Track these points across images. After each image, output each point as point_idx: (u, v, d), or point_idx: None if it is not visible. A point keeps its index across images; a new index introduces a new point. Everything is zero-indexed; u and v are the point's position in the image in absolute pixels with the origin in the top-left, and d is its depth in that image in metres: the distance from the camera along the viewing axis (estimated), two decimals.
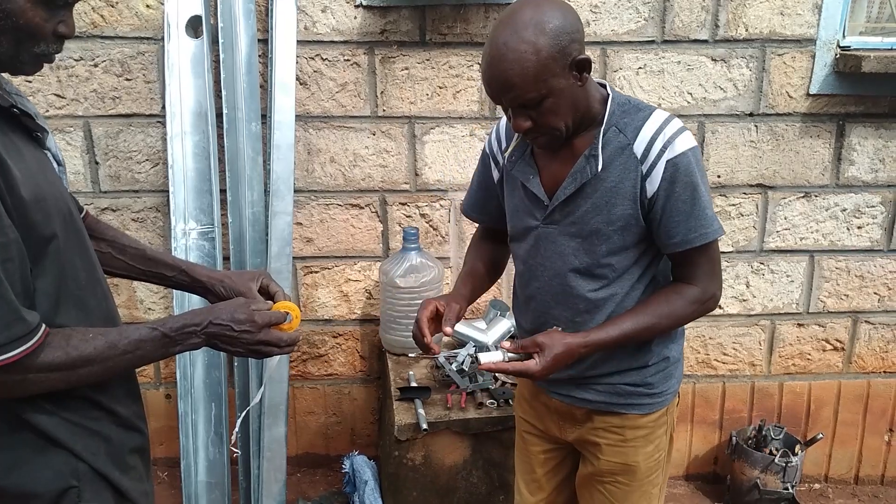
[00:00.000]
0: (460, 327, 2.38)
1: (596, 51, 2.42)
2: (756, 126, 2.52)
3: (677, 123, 1.37)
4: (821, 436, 2.62)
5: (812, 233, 2.64)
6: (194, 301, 2.30)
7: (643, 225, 1.38)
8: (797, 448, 2.61)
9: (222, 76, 2.27)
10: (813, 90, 2.47)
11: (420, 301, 2.38)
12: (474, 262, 1.69)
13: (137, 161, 2.45)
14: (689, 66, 2.45)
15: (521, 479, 1.77)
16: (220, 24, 2.24)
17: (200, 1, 2.24)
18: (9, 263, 0.98)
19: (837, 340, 2.75)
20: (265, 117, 2.35)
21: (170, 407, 2.67)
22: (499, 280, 2.64)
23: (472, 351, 2.33)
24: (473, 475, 2.18)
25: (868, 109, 2.51)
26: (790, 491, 2.55)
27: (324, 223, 2.56)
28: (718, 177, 2.56)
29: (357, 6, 2.34)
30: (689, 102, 2.48)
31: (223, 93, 2.28)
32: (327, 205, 2.54)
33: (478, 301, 2.67)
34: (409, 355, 2.45)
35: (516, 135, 1.44)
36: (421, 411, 2.11)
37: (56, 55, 1.06)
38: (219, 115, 2.33)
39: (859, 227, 2.63)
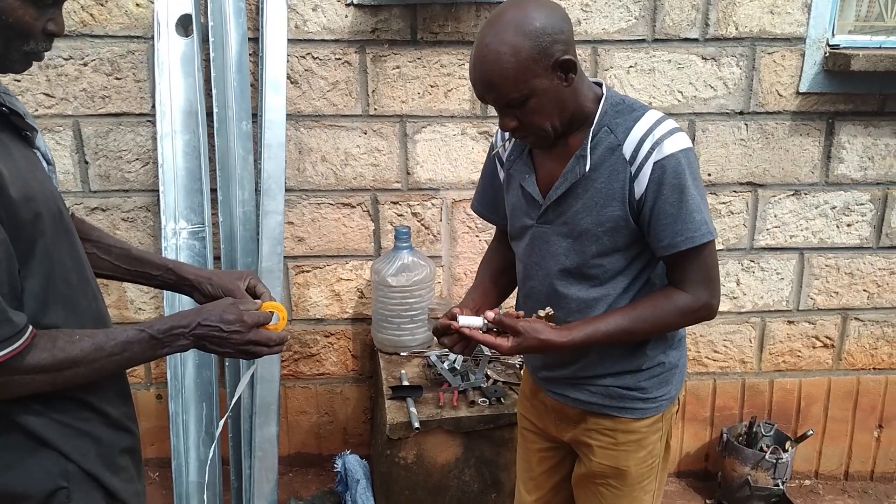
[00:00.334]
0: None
1: (587, 49, 2.42)
2: (746, 124, 2.53)
3: (669, 125, 1.33)
4: (811, 432, 2.64)
5: (802, 230, 2.65)
6: (184, 302, 2.29)
7: (634, 227, 1.36)
8: (787, 445, 2.63)
9: (213, 75, 2.26)
10: (802, 88, 2.49)
11: (412, 300, 2.41)
12: (482, 277, 1.68)
13: (127, 160, 2.44)
14: (679, 65, 2.46)
15: (520, 478, 1.77)
16: (210, 23, 2.23)
17: None
18: None
19: (827, 337, 2.77)
20: (256, 116, 2.34)
21: (161, 407, 2.66)
22: None
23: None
24: (465, 473, 2.18)
25: (857, 107, 2.52)
26: (781, 487, 2.56)
27: (315, 222, 2.56)
28: (709, 175, 2.57)
29: (348, 5, 2.34)
30: (679, 101, 2.49)
31: (213, 92, 2.27)
32: (319, 204, 2.54)
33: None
34: (402, 354, 2.45)
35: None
36: (413, 410, 2.11)
37: (45, 53, 1.06)
38: (209, 114, 2.32)
39: (849, 225, 2.65)
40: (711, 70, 2.47)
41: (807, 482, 2.89)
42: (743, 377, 2.80)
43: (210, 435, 2.29)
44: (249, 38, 2.32)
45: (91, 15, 2.30)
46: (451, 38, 2.39)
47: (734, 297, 2.71)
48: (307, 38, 2.37)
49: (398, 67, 2.41)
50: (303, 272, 2.62)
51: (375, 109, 2.45)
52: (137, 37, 2.33)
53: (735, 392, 2.82)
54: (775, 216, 2.63)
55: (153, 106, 2.35)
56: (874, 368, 2.81)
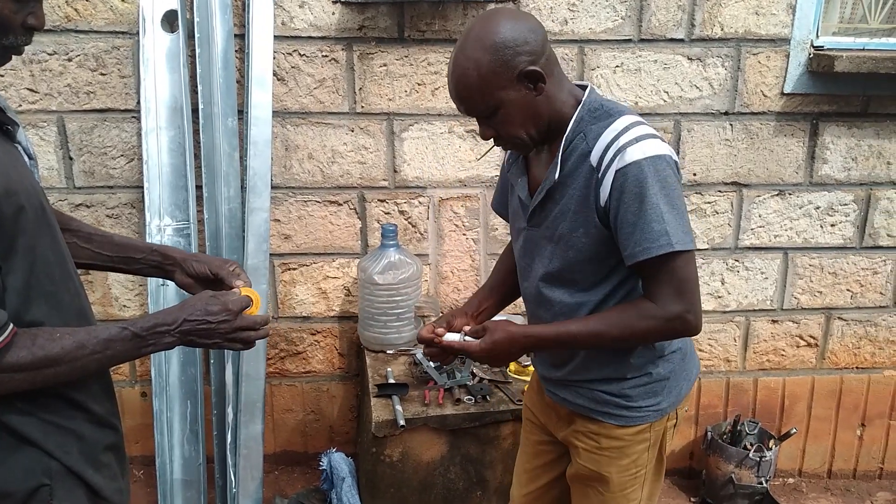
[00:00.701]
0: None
1: (574, 49, 2.43)
2: (731, 125, 2.55)
3: (638, 131, 1.31)
4: (794, 431, 2.66)
5: (786, 230, 2.67)
6: (169, 298, 2.28)
7: (607, 234, 1.35)
8: (771, 443, 2.65)
9: (198, 71, 2.26)
10: (787, 89, 2.50)
11: (399, 298, 2.41)
12: (493, 275, 1.74)
13: (112, 157, 2.43)
14: (665, 65, 2.47)
15: (517, 469, 1.79)
16: (195, 19, 2.22)
17: None
18: None
19: (811, 337, 2.79)
20: (242, 113, 2.33)
21: (145, 405, 2.64)
22: (477, 277, 2.67)
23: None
24: (451, 471, 2.18)
25: (841, 108, 2.54)
26: (764, 485, 2.58)
27: (302, 220, 2.55)
28: (694, 175, 2.59)
29: (335, 2, 2.33)
30: (665, 101, 2.51)
31: (199, 88, 2.26)
32: (305, 201, 2.53)
33: (457, 297, 2.70)
34: (388, 352, 2.45)
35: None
36: (398, 408, 2.11)
37: (25, 47, 1.05)
38: (195, 111, 2.31)
39: (832, 225, 2.67)
40: (697, 70, 2.48)
41: (790, 480, 2.91)
42: (727, 376, 2.82)
43: (194, 432, 2.28)
44: (235, 35, 2.32)
45: (76, 10, 2.29)
46: (438, 37, 2.39)
47: (719, 297, 2.73)
48: (294, 35, 2.36)
49: (385, 65, 2.41)
50: (289, 270, 2.61)
51: (363, 107, 2.45)
52: (122, 32, 2.32)
53: (720, 391, 2.84)
54: (760, 216, 2.65)
55: (138, 102, 2.34)
56: (857, 367, 2.83)
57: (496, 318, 1.58)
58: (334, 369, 2.75)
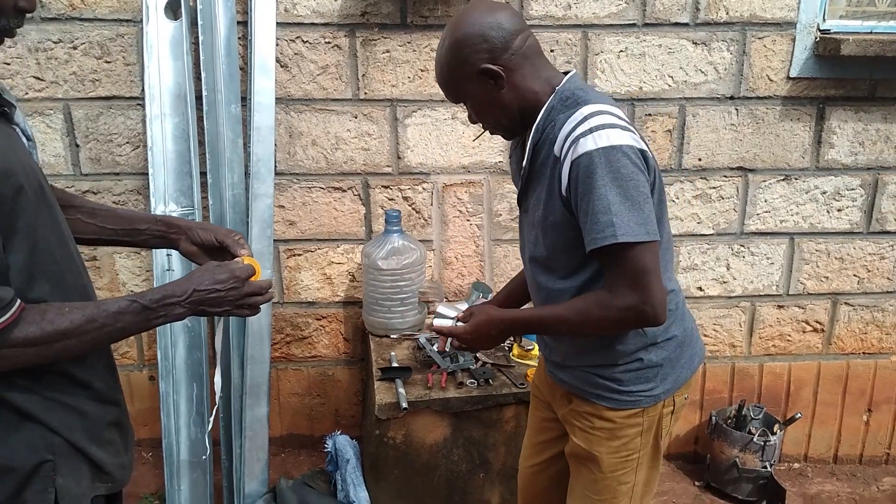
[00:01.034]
0: (442, 308, 2.39)
1: (577, 34, 2.42)
2: (737, 109, 2.53)
3: (595, 121, 1.31)
4: (799, 415, 2.65)
5: (792, 215, 2.66)
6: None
7: (575, 222, 1.36)
8: (776, 427, 2.64)
9: (202, 58, 2.27)
10: (793, 73, 2.48)
11: (402, 283, 2.42)
12: (513, 282, 1.79)
13: (118, 144, 2.45)
14: (670, 50, 2.46)
15: (525, 441, 1.84)
16: (198, 6, 2.23)
17: None
18: None
19: (817, 322, 2.78)
20: (245, 100, 2.35)
21: (154, 388, 2.68)
22: (481, 262, 2.68)
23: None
24: (454, 454, 2.20)
25: (848, 93, 2.52)
26: (768, 469, 2.58)
27: (306, 206, 2.57)
28: (699, 160, 2.58)
29: None
30: (669, 86, 2.49)
31: (203, 75, 2.28)
32: (310, 188, 2.55)
33: (461, 283, 2.71)
34: (392, 337, 2.46)
35: None
36: (401, 391, 2.13)
37: (17, 30, 1.06)
38: (198, 98, 2.32)
39: (839, 210, 2.66)
40: (702, 55, 2.47)
41: (796, 465, 2.91)
42: (733, 361, 2.82)
43: (200, 414, 2.31)
44: (238, 22, 2.33)
45: None
46: (440, 22, 2.39)
47: (724, 282, 2.72)
48: (297, 22, 2.37)
49: (388, 51, 2.41)
50: (294, 256, 2.63)
51: (366, 93, 2.45)
52: (127, 20, 2.33)
53: (725, 376, 2.83)
54: (766, 201, 2.64)
55: (143, 89, 2.36)
56: (864, 353, 2.82)
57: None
58: (339, 354, 2.77)
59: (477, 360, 2.30)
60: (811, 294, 2.75)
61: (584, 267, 1.42)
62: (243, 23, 2.33)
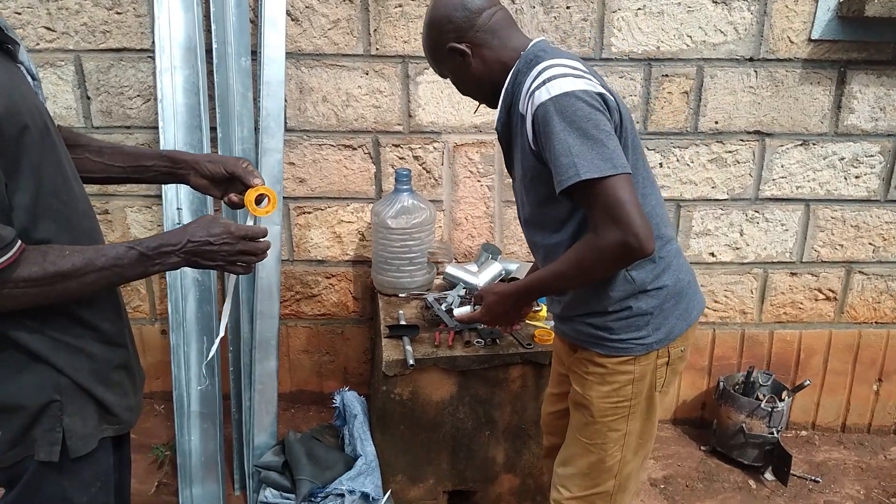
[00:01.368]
0: (452, 269, 2.40)
1: None
2: (756, 71, 2.48)
3: (548, 73, 1.36)
4: (808, 382, 2.64)
5: (809, 181, 2.61)
6: None
7: (548, 173, 1.39)
8: (784, 394, 2.64)
9: (212, 10, 2.24)
10: (815, 35, 2.42)
11: (412, 242, 2.42)
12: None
13: (129, 97, 2.44)
14: (689, 8, 2.40)
15: (546, 392, 1.96)
16: None
17: None
18: None
19: (830, 290, 2.75)
20: (255, 53, 2.33)
21: (165, 342, 2.72)
22: (491, 224, 2.67)
23: (461, 292, 2.35)
24: (460, 411, 2.22)
25: (871, 56, 2.46)
26: (775, 436, 2.58)
27: (316, 163, 2.56)
28: (716, 123, 2.53)
29: None
30: (688, 46, 2.44)
31: (213, 27, 2.26)
32: (320, 145, 2.54)
33: (471, 244, 2.70)
34: (400, 296, 2.47)
35: None
36: (409, 348, 2.14)
37: None
38: (208, 51, 2.31)
39: (857, 177, 2.61)
40: (722, 14, 2.41)
41: (803, 433, 2.91)
42: (743, 328, 2.81)
43: (210, 367, 2.34)
44: None
45: None
46: None
47: (737, 248, 2.70)
48: None
49: (400, 6, 2.37)
50: (304, 213, 2.63)
51: (377, 49, 2.42)
52: None
53: (734, 342, 2.82)
54: (782, 166, 2.59)
55: (153, 41, 2.35)
56: (876, 322, 2.80)
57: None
58: (349, 312, 2.79)
59: None
60: (825, 262, 2.72)
61: (571, 217, 1.47)
62: None
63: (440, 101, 2.49)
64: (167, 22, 2.23)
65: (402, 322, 2.29)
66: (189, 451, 2.34)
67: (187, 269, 2.34)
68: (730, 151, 2.58)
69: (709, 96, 2.50)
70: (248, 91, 2.31)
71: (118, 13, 2.35)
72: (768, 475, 2.62)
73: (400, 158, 2.57)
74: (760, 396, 2.64)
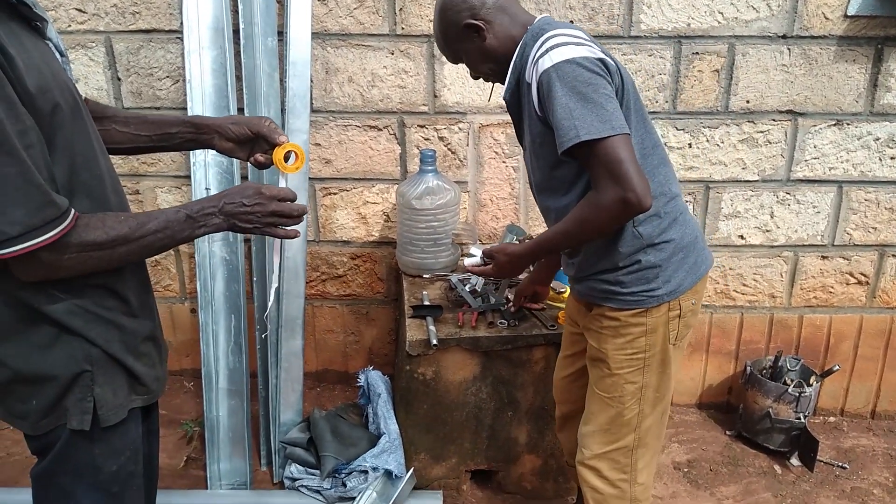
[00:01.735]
0: (476, 251, 2.39)
1: None
2: (789, 49, 2.42)
3: (550, 42, 1.46)
4: (837, 367, 2.60)
5: (842, 163, 2.55)
6: None
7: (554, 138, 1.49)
8: (812, 379, 2.60)
9: None
10: (851, 11, 2.35)
11: (436, 223, 2.43)
12: None
13: (158, 77, 2.48)
14: None
15: (559, 355, 2.02)
16: None
17: None
18: (32, 150, 1.01)
19: (862, 274, 2.70)
20: (282, 34, 2.34)
21: (195, 321, 2.75)
22: (516, 205, 2.66)
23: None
24: (483, 391, 2.23)
25: None
26: (802, 421, 2.55)
27: (342, 144, 2.57)
28: (747, 102, 2.48)
29: None
30: (719, 23, 2.39)
31: (240, 7, 2.27)
32: (346, 126, 2.54)
33: (495, 226, 2.70)
34: (424, 276, 2.48)
35: None
36: (432, 328, 2.15)
37: None
38: (236, 32, 2.32)
39: (892, 158, 2.54)
40: None
41: (831, 419, 2.87)
42: (772, 312, 2.77)
43: (238, 344, 2.38)
44: None
45: None
46: None
47: (767, 230, 2.65)
48: None
49: None
50: (330, 194, 2.65)
51: (403, 28, 2.42)
52: None
53: (762, 326, 2.79)
54: (815, 147, 2.54)
55: (182, 22, 2.36)
56: None
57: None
58: (374, 293, 2.81)
59: (508, 301, 2.30)
60: (857, 245, 2.66)
61: (577, 181, 1.56)
62: None
63: (465, 81, 2.48)
64: (195, 3, 2.25)
65: (426, 303, 2.30)
66: (217, 426, 2.39)
67: (216, 249, 2.37)
68: (761, 131, 2.53)
69: (740, 75, 2.45)
70: (274, 72, 2.33)
71: None
72: (794, 461, 2.59)
73: (425, 139, 2.57)
74: (788, 381, 2.61)
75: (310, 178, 2.55)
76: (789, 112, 2.50)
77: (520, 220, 2.67)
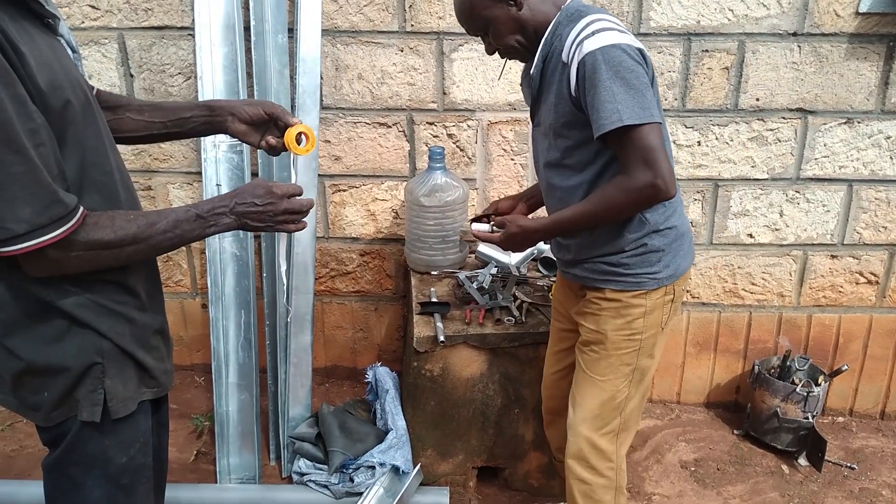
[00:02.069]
0: (484, 248, 2.40)
1: None
2: (799, 46, 2.41)
3: (595, 26, 1.49)
4: (845, 367, 2.59)
5: (852, 161, 2.54)
6: None
7: (585, 120, 1.52)
8: (820, 379, 2.59)
9: None
10: (863, 8, 2.34)
11: (444, 220, 2.43)
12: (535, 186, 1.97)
13: (170, 74, 2.50)
14: None
15: (548, 350, 2.06)
16: None
17: None
18: (42, 148, 1.03)
19: (872, 273, 2.68)
20: (292, 31, 2.35)
21: (206, 316, 2.78)
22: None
23: (493, 270, 2.36)
24: (490, 388, 2.24)
25: None
26: (810, 421, 2.54)
27: (351, 141, 2.58)
28: (757, 100, 2.47)
29: None
30: (729, 20, 2.38)
31: (251, 4, 2.29)
32: (355, 123, 2.56)
33: None
34: (433, 273, 2.49)
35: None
36: (439, 324, 2.16)
37: None
38: (247, 28, 2.34)
39: None
40: None
41: (840, 419, 2.85)
42: (780, 311, 2.76)
43: (248, 340, 2.40)
44: None
45: None
46: None
47: (776, 229, 2.64)
48: None
49: None
50: (339, 191, 2.66)
51: (412, 26, 2.42)
52: None
53: (771, 326, 2.78)
54: (825, 145, 2.53)
55: (193, 19, 2.38)
56: None
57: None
58: (382, 290, 2.82)
59: (515, 298, 2.31)
60: (867, 244, 2.65)
61: (594, 160, 1.60)
62: None
63: (474, 78, 2.49)
64: (207, 0, 2.27)
65: (434, 299, 2.31)
66: (227, 421, 2.41)
67: (226, 245, 2.39)
68: (771, 129, 2.52)
69: (750, 72, 2.44)
70: (284, 68, 2.34)
71: None
72: (802, 461, 2.59)
73: (434, 136, 2.58)
74: (796, 381, 2.60)
75: (319, 175, 2.57)
76: (799, 110, 2.49)
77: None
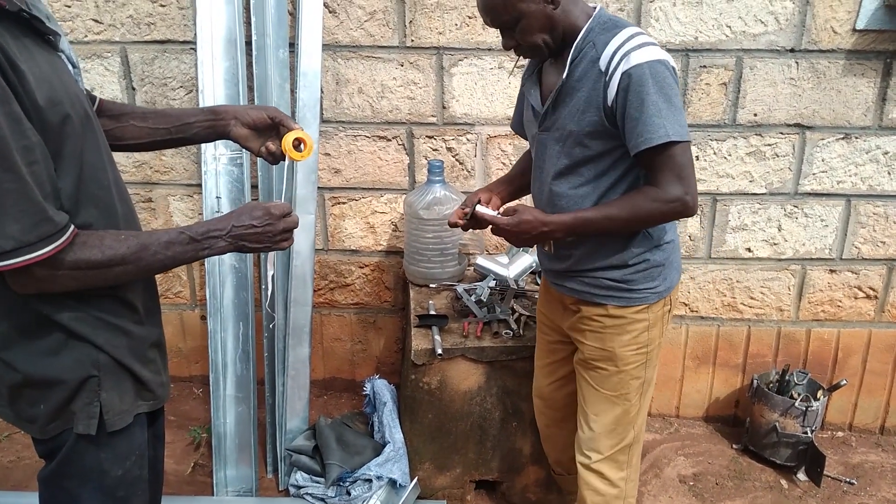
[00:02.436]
0: (483, 261, 2.41)
1: None
2: (797, 62, 2.42)
3: (641, 39, 1.50)
4: (844, 382, 2.59)
5: (850, 176, 2.55)
6: None
7: (612, 130, 1.54)
8: (819, 393, 2.59)
9: (252, 2, 2.29)
10: (860, 25, 2.36)
11: (443, 233, 2.44)
12: (512, 170, 1.98)
13: (172, 87, 2.51)
14: None
15: (536, 363, 2.04)
16: None
17: None
18: (35, 166, 1.03)
19: (871, 288, 2.68)
20: (293, 45, 2.37)
21: (205, 327, 2.78)
22: None
23: (491, 283, 2.37)
24: (487, 401, 2.24)
25: None
26: (809, 435, 2.54)
27: (351, 154, 2.60)
28: (755, 115, 2.49)
29: None
30: (727, 36, 2.40)
31: (252, 19, 2.31)
32: (355, 136, 2.57)
33: (501, 240, 2.71)
34: (431, 286, 2.49)
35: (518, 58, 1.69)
36: (437, 337, 2.17)
37: None
38: (248, 43, 2.36)
39: None
40: (762, 4, 2.36)
41: (839, 434, 2.85)
42: (779, 325, 2.76)
43: (246, 352, 2.40)
44: None
45: None
46: None
47: (774, 244, 2.65)
48: None
49: None
50: (339, 203, 2.67)
51: (412, 41, 2.44)
52: None
53: (770, 340, 2.78)
54: (823, 160, 2.54)
55: (195, 33, 2.40)
56: None
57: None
58: (381, 302, 2.83)
59: (513, 311, 2.31)
60: (866, 259, 2.65)
61: (607, 172, 1.61)
62: None
63: (474, 92, 2.51)
64: (209, 14, 2.29)
65: (432, 312, 2.32)
66: (224, 433, 2.41)
67: (225, 258, 2.40)
68: (769, 144, 2.53)
69: (748, 88, 2.46)
70: (285, 82, 2.36)
71: (162, 6, 2.42)
72: (801, 475, 2.58)
73: (433, 150, 2.59)
74: (795, 395, 2.59)
75: (319, 188, 2.58)
76: (797, 125, 2.50)
77: None
